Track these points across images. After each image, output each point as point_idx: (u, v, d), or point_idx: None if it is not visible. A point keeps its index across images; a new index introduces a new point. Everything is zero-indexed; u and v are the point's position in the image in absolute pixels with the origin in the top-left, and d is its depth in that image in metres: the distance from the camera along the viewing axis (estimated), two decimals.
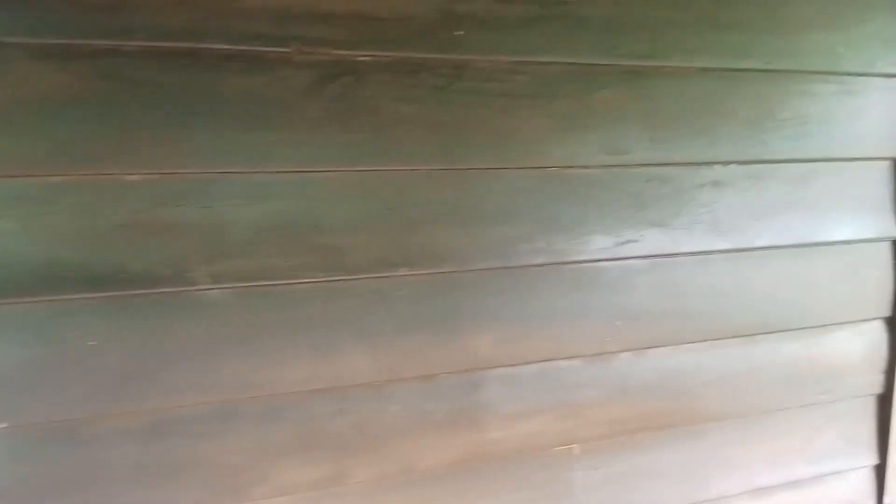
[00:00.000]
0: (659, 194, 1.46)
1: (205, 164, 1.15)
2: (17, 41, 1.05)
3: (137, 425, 1.20)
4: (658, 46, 1.41)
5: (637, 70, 1.40)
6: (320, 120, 1.20)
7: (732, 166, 1.52)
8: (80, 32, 1.08)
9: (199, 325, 1.20)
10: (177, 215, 1.16)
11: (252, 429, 1.26)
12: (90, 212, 1.11)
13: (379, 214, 1.26)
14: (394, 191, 1.27)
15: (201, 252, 1.18)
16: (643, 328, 1.49)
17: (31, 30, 1.06)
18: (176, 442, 1.23)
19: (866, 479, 1.83)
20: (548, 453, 1.48)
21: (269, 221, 1.21)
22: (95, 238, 1.12)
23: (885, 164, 1.69)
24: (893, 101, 1.65)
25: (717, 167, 1.50)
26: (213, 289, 1.19)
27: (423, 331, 1.32)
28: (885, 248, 1.72)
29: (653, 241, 1.47)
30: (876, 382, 1.78)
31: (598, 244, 1.42)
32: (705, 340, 1.57)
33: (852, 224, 1.66)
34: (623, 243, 1.44)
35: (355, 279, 1.26)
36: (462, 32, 1.26)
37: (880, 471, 1.83)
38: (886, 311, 1.75)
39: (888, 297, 1.74)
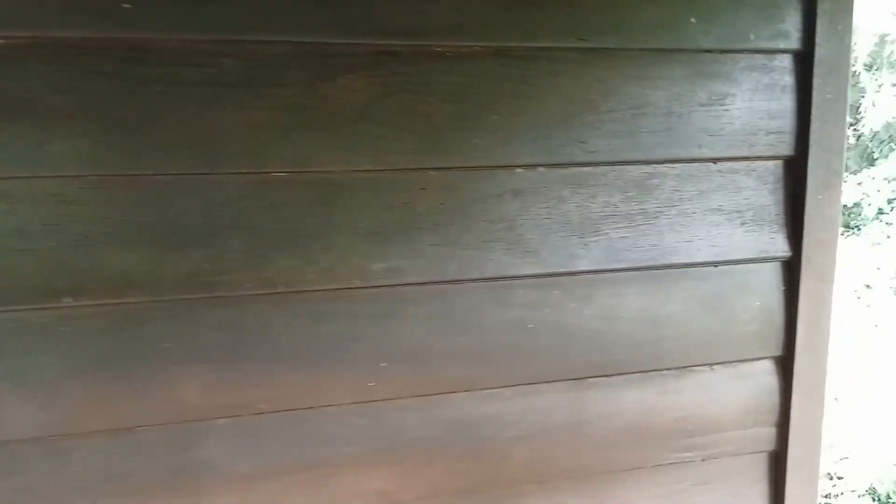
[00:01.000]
0: (438, 206, 1.17)
1: None
2: None
3: None
4: (425, 21, 1.12)
5: (395, 51, 1.11)
6: None
7: (540, 170, 1.21)
8: None
9: None
10: None
11: None
12: None
13: (34, 233, 1.02)
14: (53, 203, 1.03)
15: None
16: (420, 371, 1.20)
17: None
18: None
19: None
20: None
21: None
22: None
23: (771, 166, 1.34)
24: (780, 84, 1.30)
25: (518, 171, 1.20)
26: None
27: (107, 374, 1.08)
28: (772, 270, 1.37)
29: (430, 263, 1.18)
30: (765, 437, 1.43)
31: (351, 268, 1.14)
32: (513, 385, 1.26)
33: (722, 241, 1.32)
34: (387, 267, 1.16)
35: (3, 312, 1.03)
36: (129, 5, 1.01)
37: None
38: (776, 350, 1.40)
39: (778, 333, 1.39)
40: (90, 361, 1.07)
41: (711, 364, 1.37)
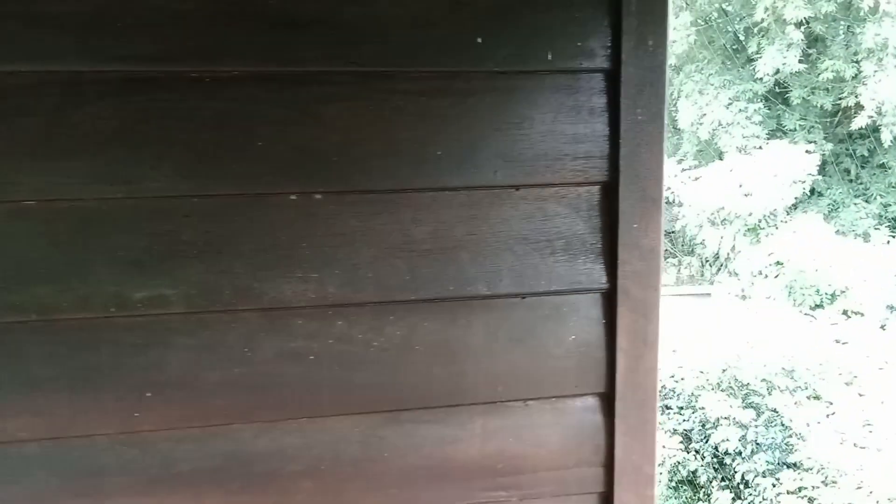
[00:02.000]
0: (205, 234, 1.15)
1: None
2: None
3: None
4: (177, 45, 1.10)
5: (152, 77, 1.10)
6: None
7: (317, 197, 1.17)
8: None
9: None
10: None
11: None
12: None
13: None
14: None
15: None
16: (189, 401, 1.18)
17: None
18: None
19: None
20: None
21: None
22: None
23: (584, 192, 1.26)
24: (588, 106, 1.23)
25: (293, 198, 1.17)
26: None
27: None
28: (589, 302, 1.30)
29: (198, 292, 1.15)
30: (591, 478, 1.35)
31: (108, 297, 1.13)
32: (295, 419, 1.23)
33: (529, 272, 1.26)
34: (150, 296, 1.14)
35: None
36: None
37: None
38: (597, 386, 1.32)
39: (598, 368, 1.31)
40: None
41: (525, 399, 1.31)
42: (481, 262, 1.24)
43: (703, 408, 6.19)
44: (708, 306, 7.92)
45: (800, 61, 15.12)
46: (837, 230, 12.78)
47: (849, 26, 15.84)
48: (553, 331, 1.29)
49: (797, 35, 14.96)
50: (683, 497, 6.72)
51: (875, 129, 14.95)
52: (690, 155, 15.82)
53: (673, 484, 6.76)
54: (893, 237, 12.57)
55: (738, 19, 16.48)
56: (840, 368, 5.94)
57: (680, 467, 6.62)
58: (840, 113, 15.89)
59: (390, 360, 1.24)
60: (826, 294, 9.94)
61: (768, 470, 5.63)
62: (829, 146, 15.37)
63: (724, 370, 6.40)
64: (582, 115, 1.23)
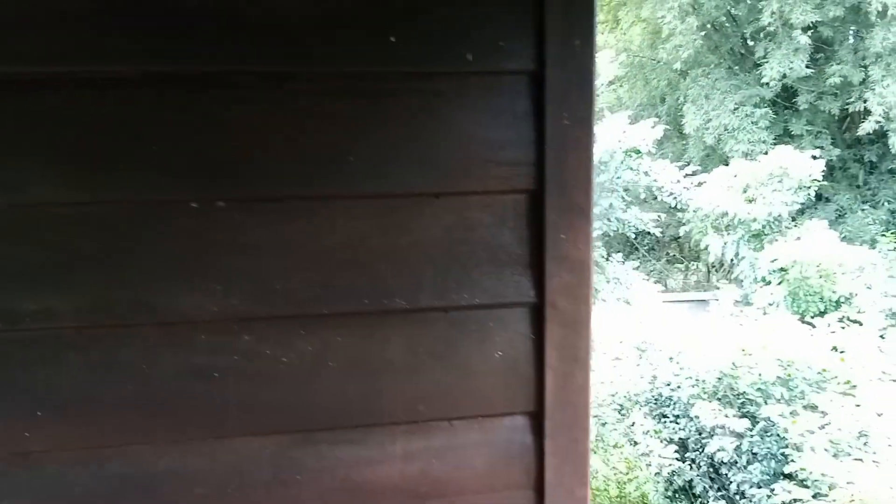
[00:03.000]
0: (99, 243, 1.08)
1: None
2: None
3: None
4: (59, 43, 1.03)
5: (38, 79, 1.04)
6: None
7: (220, 204, 1.11)
8: None
9: None
10: None
11: None
12: None
13: None
14: None
15: None
16: (82, 421, 1.11)
17: None
18: None
19: None
20: None
21: None
22: None
23: (510, 201, 1.19)
24: (512, 109, 1.16)
25: (193, 206, 1.10)
26: None
27: None
28: (517, 317, 1.22)
29: (92, 305, 1.09)
30: (519, 501, 1.27)
31: None
32: (199, 439, 1.16)
33: (451, 285, 1.19)
34: (39, 309, 1.08)
35: None
36: None
37: None
38: (527, 405, 1.25)
39: (527, 386, 1.24)
40: None
41: (449, 419, 1.23)
42: (400, 273, 1.17)
43: (697, 416, 6.09)
44: (708, 313, 7.80)
45: (807, 66, 14.99)
46: (844, 236, 12.65)
47: (857, 31, 15.69)
48: (478, 347, 1.22)
49: (804, 39, 14.84)
50: None
51: (883, 135, 14.80)
52: (696, 160, 15.70)
53: (669, 494, 6.66)
54: None
55: (745, 23, 16.35)
56: (838, 378, 5.83)
57: (676, 477, 6.52)
58: (848, 118, 15.74)
59: (301, 377, 1.17)
60: (830, 301, 9.80)
61: (763, 481, 5.52)
62: (837, 151, 15.24)
63: (719, 378, 6.29)
64: (505, 119, 1.16)
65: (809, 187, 12.17)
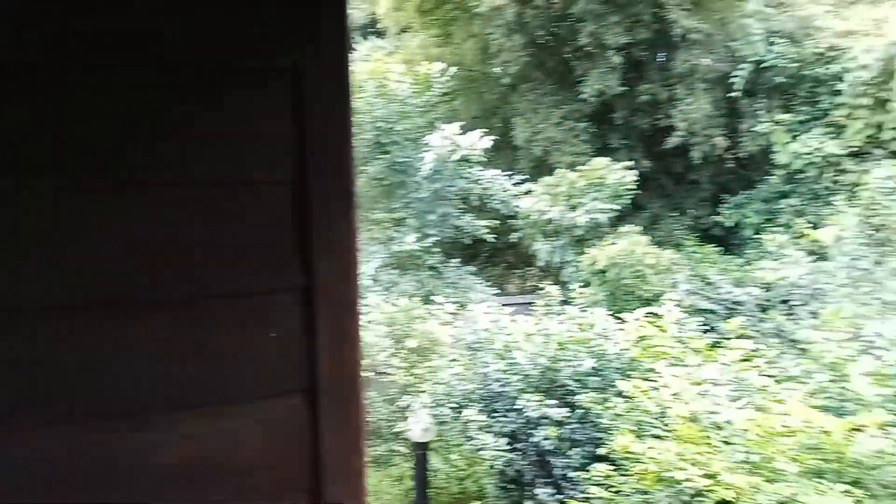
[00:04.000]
0: None
1: None
2: None
3: None
4: None
5: None
6: None
7: None
8: None
9: None
10: None
11: None
12: None
13: None
14: None
15: None
16: None
17: None
18: None
19: None
20: None
21: None
22: None
23: (279, 190, 1.27)
24: (272, 103, 1.24)
25: None
26: None
27: None
28: (289, 301, 1.30)
29: None
30: (298, 476, 1.34)
31: None
32: None
33: (223, 273, 1.24)
34: None
35: None
36: None
37: None
38: (301, 384, 1.32)
39: (302, 366, 1.31)
40: None
41: (225, 402, 1.28)
42: (167, 263, 1.21)
43: (523, 409, 6.47)
44: (536, 314, 8.30)
45: (620, 84, 16.30)
46: (657, 240, 13.88)
47: (663, 53, 17.29)
48: (251, 331, 1.28)
49: (617, 59, 16.13)
50: (513, 496, 6.98)
51: (686, 149, 16.39)
52: (527, 170, 16.54)
53: (501, 485, 6.99)
54: (701, 245, 13.87)
55: (565, 42, 17.50)
56: (642, 365, 6.45)
57: (507, 468, 6.86)
58: (657, 133, 17.26)
59: (70, 368, 1.17)
60: (643, 299, 10.76)
61: (582, 464, 5.97)
62: (648, 163, 16.65)
63: (542, 372, 6.73)
64: (266, 113, 1.23)
65: (623, 196, 13.27)
